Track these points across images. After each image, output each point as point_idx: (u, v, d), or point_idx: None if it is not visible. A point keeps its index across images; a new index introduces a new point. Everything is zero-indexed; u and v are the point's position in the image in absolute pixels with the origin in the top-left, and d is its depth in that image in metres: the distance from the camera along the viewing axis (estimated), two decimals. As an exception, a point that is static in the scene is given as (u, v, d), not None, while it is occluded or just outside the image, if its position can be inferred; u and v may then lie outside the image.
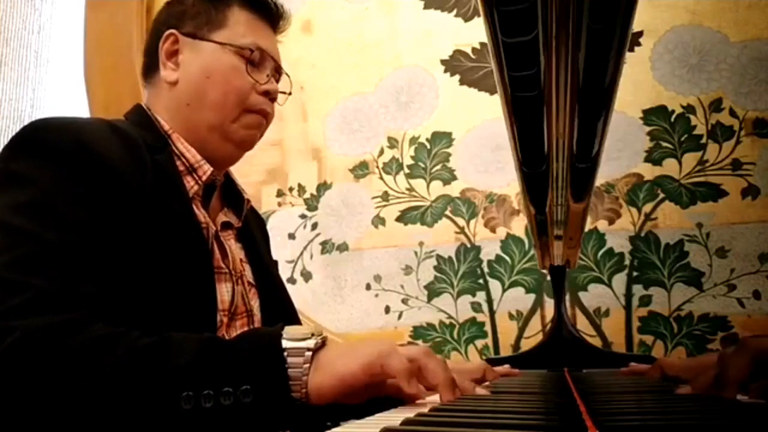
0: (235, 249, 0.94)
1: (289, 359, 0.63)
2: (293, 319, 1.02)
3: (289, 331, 0.65)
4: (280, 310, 0.97)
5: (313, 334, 0.65)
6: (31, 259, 0.65)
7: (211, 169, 0.88)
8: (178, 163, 0.87)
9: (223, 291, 0.87)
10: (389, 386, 0.73)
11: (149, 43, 0.95)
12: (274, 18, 0.97)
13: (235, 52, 0.90)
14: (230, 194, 0.98)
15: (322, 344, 0.66)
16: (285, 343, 0.64)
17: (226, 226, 0.94)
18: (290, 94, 0.99)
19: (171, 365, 0.61)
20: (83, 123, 0.78)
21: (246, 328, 0.90)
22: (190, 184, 0.86)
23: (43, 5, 2.24)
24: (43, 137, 0.74)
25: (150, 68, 0.94)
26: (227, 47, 0.90)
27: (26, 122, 0.78)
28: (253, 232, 1.00)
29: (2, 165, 0.74)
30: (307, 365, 0.63)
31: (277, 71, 0.96)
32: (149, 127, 0.88)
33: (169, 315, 0.74)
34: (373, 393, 0.70)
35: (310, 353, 0.64)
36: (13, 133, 0.75)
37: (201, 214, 0.86)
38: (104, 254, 0.70)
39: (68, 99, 2.18)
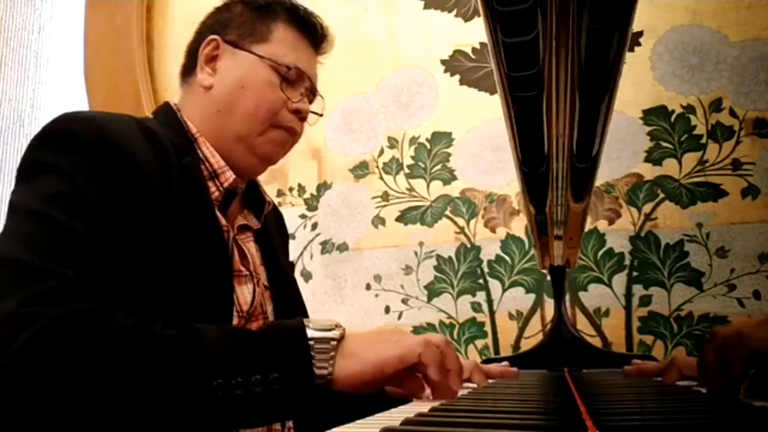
0: (253, 252, 0.94)
1: (316, 347, 0.66)
2: None
3: (312, 321, 0.68)
4: (294, 313, 0.98)
5: (336, 326, 0.68)
6: (58, 248, 0.65)
7: (234, 176, 0.88)
8: (201, 167, 0.87)
9: (245, 293, 0.88)
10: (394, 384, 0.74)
11: (192, 44, 0.96)
12: (317, 39, 1.00)
13: (272, 66, 0.91)
14: (250, 196, 0.98)
15: (343, 335, 0.69)
16: (311, 333, 0.66)
17: (244, 228, 0.95)
18: (322, 115, 1.00)
19: (202, 354, 0.63)
20: (112, 119, 0.79)
21: None
22: (212, 190, 0.87)
23: (43, 5, 2.24)
24: (71, 130, 0.74)
25: (188, 69, 0.95)
26: (266, 61, 0.91)
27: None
28: (272, 234, 1.01)
29: (31, 154, 0.75)
30: (333, 353, 0.66)
31: (312, 92, 0.98)
32: (177, 128, 0.88)
33: (189, 315, 0.74)
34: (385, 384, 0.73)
35: (335, 342, 0.66)
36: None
37: (221, 217, 0.87)
38: (129, 251, 0.71)
39: (68, 99, 2.18)
